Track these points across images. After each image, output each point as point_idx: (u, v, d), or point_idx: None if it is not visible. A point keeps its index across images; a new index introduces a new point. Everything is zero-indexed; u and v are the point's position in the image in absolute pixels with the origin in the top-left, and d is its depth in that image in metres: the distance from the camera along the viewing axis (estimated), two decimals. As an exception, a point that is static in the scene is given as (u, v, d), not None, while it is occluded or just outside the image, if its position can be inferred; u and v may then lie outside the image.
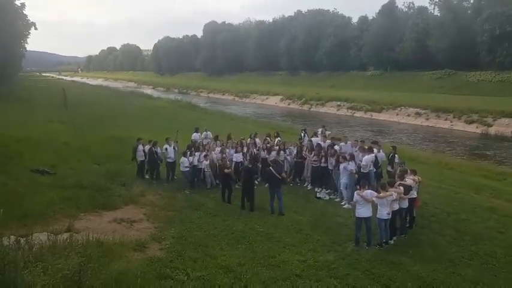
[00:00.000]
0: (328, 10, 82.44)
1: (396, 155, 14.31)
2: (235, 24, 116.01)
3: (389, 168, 14.13)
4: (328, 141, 15.96)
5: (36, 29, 73.53)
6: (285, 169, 15.25)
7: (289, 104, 60.34)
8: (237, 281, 7.97)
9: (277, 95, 65.52)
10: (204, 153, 15.44)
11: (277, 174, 12.72)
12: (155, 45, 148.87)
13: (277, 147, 16.13)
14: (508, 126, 33.70)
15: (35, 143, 19.89)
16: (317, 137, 17.30)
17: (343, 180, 13.37)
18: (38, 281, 6.36)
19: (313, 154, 15.06)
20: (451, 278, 8.70)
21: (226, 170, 13.84)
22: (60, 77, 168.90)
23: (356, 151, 14.34)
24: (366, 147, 14.45)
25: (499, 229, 11.36)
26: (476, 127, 35.81)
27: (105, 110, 39.86)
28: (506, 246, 10.29)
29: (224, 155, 15.23)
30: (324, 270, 8.80)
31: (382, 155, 14.49)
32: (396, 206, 10.41)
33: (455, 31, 51.95)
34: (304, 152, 15.72)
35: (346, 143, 15.47)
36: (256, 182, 14.75)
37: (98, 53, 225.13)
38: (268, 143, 16.68)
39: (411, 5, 69.23)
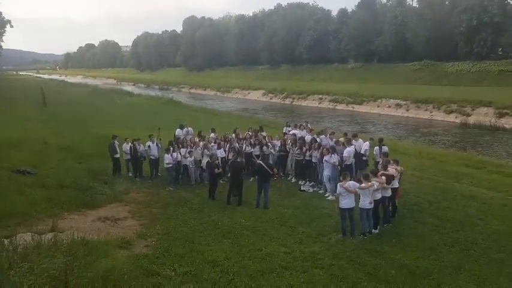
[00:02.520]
0: (308, 3, 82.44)
1: (384, 146, 14.43)
2: (215, 19, 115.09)
3: (376, 159, 14.25)
4: (310, 135, 16.05)
5: (12, 26, 72.13)
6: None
7: (271, 98, 60.45)
8: (224, 274, 8.03)
9: (259, 89, 65.57)
10: (188, 149, 15.40)
11: (268, 169, 12.77)
12: (134, 41, 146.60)
13: (259, 141, 16.17)
14: (486, 116, 34.41)
15: (14, 142, 19.48)
16: (301, 130, 17.40)
17: (326, 172, 13.55)
18: (24, 281, 6.32)
19: (296, 147, 15.17)
20: (433, 265, 8.92)
21: (216, 170, 13.83)
22: (38, 75, 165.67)
23: (335, 144, 14.46)
24: (345, 139, 14.67)
25: (479, 216, 11.64)
26: (456, 117, 36.52)
27: (85, 108, 39.35)
28: (486, 233, 10.56)
29: (208, 152, 15.17)
30: (310, 261, 8.93)
31: (364, 144, 14.73)
32: (379, 196, 10.61)
33: (433, 23, 52.52)
34: (287, 145, 15.81)
35: (326, 136, 15.64)
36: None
37: (76, 50, 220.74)
38: (252, 138, 16.68)
39: (390, -3, 69.77)
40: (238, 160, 13.89)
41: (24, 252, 7.71)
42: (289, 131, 17.87)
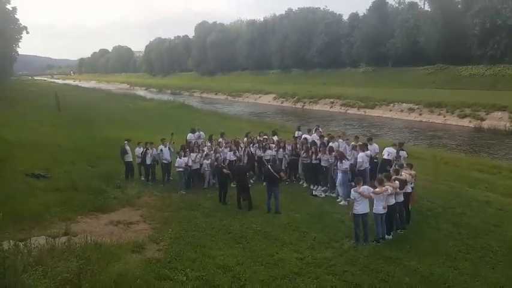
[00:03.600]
0: (319, 8, 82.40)
1: (402, 151, 14.24)
2: (226, 24, 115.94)
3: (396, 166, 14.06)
4: (318, 139, 15.92)
5: (28, 32, 73.43)
6: (282, 167, 15.32)
7: (282, 103, 60.38)
8: (235, 280, 8.01)
9: (270, 93, 65.54)
10: (203, 152, 15.44)
11: (275, 173, 12.73)
12: (147, 46, 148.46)
13: (274, 145, 16.16)
14: (501, 120, 33.80)
15: (28, 146, 19.72)
16: (312, 133, 17.29)
17: (338, 177, 13.43)
18: (39, 284, 6.40)
19: (303, 151, 15.09)
20: (448, 272, 8.74)
21: (225, 170, 13.84)
22: (53, 80, 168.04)
23: (351, 150, 14.35)
24: (359, 144, 14.54)
25: (494, 222, 11.43)
26: (470, 121, 35.96)
27: (99, 112, 39.77)
28: (502, 239, 10.35)
29: (218, 155, 15.20)
30: (322, 267, 8.84)
31: (375, 147, 14.67)
32: (392, 201, 10.46)
33: (445, 26, 52.05)
34: (298, 149, 15.74)
35: (343, 141, 15.50)
36: (251, 181, 14.78)
37: (89, 56, 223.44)
38: (263, 142, 16.65)
39: (401, 0, 69.45)
40: (240, 164, 13.87)
41: (39, 255, 7.79)
42: (301, 135, 17.77)
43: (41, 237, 9.16)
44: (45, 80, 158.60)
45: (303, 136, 17.12)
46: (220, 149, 15.76)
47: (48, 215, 11.09)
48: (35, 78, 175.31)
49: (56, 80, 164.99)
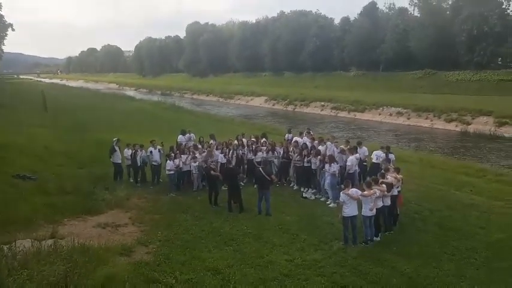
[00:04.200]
0: (311, 11, 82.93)
1: (391, 154, 14.42)
2: (218, 25, 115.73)
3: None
4: (309, 141, 16.02)
5: (13, 30, 72.34)
6: (273, 170, 15.36)
7: (273, 105, 60.48)
8: (225, 282, 8.02)
9: (262, 95, 65.59)
10: (192, 155, 15.38)
11: (266, 176, 12.76)
12: (137, 46, 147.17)
13: (265, 147, 16.18)
14: (486, 124, 34.38)
15: (14, 147, 19.47)
16: (304, 136, 17.37)
17: (327, 180, 13.51)
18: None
19: (296, 154, 15.15)
20: (434, 273, 8.90)
21: (213, 172, 13.81)
22: (39, 79, 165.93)
23: (338, 152, 14.46)
24: (348, 147, 14.68)
25: (479, 225, 11.64)
26: (456, 125, 36.50)
27: (86, 113, 39.33)
28: (487, 241, 10.56)
29: (210, 158, 15.15)
30: (312, 269, 8.91)
31: (365, 150, 14.85)
32: (380, 204, 10.61)
33: (434, 31, 52.85)
34: (290, 152, 15.79)
35: (332, 143, 15.61)
36: (242, 183, 14.78)
37: (77, 54, 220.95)
38: (253, 144, 16.67)
39: (392, 6, 70.31)
40: (231, 166, 13.86)
41: (24, 258, 7.68)
42: (292, 138, 17.82)
43: (26, 240, 9.03)
44: (31, 79, 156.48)
45: (294, 139, 17.19)
46: (213, 151, 15.70)
47: (34, 218, 10.96)
48: (21, 77, 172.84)
49: (42, 79, 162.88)
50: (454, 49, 52.25)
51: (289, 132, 18.97)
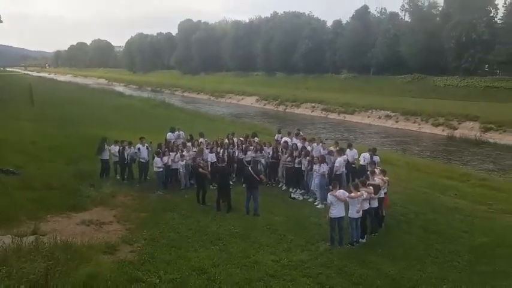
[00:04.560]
0: (304, 13, 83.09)
1: (376, 156, 14.49)
2: (211, 24, 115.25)
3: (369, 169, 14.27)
4: (301, 143, 16.05)
5: (1, 21, 71.14)
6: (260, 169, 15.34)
7: (264, 105, 60.53)
8: (210, 282, 7.96)
9: (253, 95, 65.59)
10: (180, 153, 15.26)
11: (255, 176, 12.72)
12: (128, 41, 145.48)
13: (253, 147, 16.15)
14: (472, 130, 34.93)
15: (0, 141, 19.20)
16: (293, 137, 17.38)
17: (316, 181, 13.54)
18: (2, 286, 6.14)
19: (287, 155, 15.15)
20: (417, 275, 8.99)
21: (201, 170, 13.72)
22: (26, 72, 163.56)
23: (326, 154, 14.50)
24: (337, 148, 14.74)
25: (463, 229, 11.78)
26: (443, 130, 37.00)
27: (74, 108, 38.94)
28: (469, 245, 10.71)
29: (199, 156, 15.04)
30: (298, 269, 8.91)
31: (354, 152, 14.91)
32: (367, 206, 10.66)
33: (424, 37, 53.53)
34: (279, 152, 15.77)
35: (318, 145, 15.65)
36: (231, 183, 14.73)
37: (67, 48, 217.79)
38: (243, 143, 16.63)
39: (383, 10, 70.83)
40: (223, 165, 13.80)
41: (3, 255, 7.46)
42: (281, 138, 17.83)
43: (6, 236, 8.76)
44: (18, 72, 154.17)
45: (284, 139, 17.19)
46: (203, 150, 15.58)
47: (16, 214, 10.71)
48: (7, 69, 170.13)
49: (29, 73, 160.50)
50: (443, 55, 52.98)
51: (279, 133, 18.99)
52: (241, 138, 17.23)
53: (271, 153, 15.97)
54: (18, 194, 12.32)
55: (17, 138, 20.62)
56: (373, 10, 71.36)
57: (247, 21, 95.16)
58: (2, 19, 70.04)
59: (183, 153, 15.29)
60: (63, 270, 7.02)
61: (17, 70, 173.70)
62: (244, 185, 13.60)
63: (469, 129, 35.15)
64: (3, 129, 22.63)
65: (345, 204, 10.39)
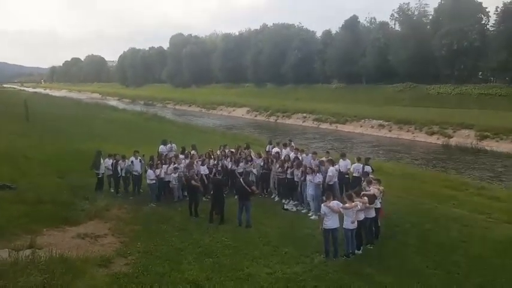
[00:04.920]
0: (293, 24, 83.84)
1: (367, 166, 14.49)
2: (201, 37, 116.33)
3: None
4: (293, 154, 16.08)
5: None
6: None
7: (255, 116, 60.70)
8: (204, 295, 7.88)
9: (244, 106, 65.81)
10: (172, 165, 15.24)
11: (246, 187, 12.70)
12: (120, 56, 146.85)
13: (244, 158, 16.16)
14: (468, 138, 34.88)
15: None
16: (284, 148, 17.42)
17: (310, 191, 13.52)
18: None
19: (278, 166, 15.15)
20: (415, 287, 8.86)
21: (193, 182, 13.69)
22: (22, 88, 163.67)
23: (317, 165, 14.52)
24: (328, 158, 14.76)
25: (461, 239, 11.65)
26: (438, 138, 37.01)
27: (68, 122, 38.85)
28: (468, 256, 10.54)
29: (192, 168, 15.02)
30: (292, 282, 8.82)
31: (347, 162, 14.90)
32: (362, 216, 10.59)
33: (415, 45, 53.84)
34: (270, 163, 15.77)
35: (307, 155, 15.68)
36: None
37: (61, 64, 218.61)
38: (235, 155, 16.63)
39: (373, 20, 71.41)
40: (219, 177, 13.80)
41: (1, 269, 7.49)
42: (272, 149, 17.87)
43: (3, 250, 8.83)
44: (14, 88, 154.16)
45: (275, 150, 17.23)
46: (194, 163, 15.59)
47: (12, 228, 10.68)
48: (4, 86, 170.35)
49: (25, 88, 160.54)
50: (435, 63, 53.28)
51: (270, 144, 19.00)
52: (232, 150, 17.23)
53: (262, 164, 15.97)
54: (13, 207, 12.25)
55: (9, 152, 20.49)
56: (363, 20, 72.00)
57: (237, 33, 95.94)
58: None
59: (177, 165, 15.26)
60: (59, 284, 7.04)
61: (13, 86, 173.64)
62: (236, 197, 13.58)
63: (464, 138, 35.14)
64: (-2, 143, 22.52)
65: (340, 215, 10.33)
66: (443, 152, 33.36)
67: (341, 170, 14.68)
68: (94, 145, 21.29)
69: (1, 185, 14.19)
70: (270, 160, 15.93)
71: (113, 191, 15.81)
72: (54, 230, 11.25)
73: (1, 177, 15.14)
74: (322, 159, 15.22)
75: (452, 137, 36.08)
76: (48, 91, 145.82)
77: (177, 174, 15.01)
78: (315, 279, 9.01)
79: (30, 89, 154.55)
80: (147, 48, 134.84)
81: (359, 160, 15.24)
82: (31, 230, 10.75)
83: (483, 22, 52.15)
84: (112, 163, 15.62)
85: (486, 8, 52.29)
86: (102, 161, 15.76)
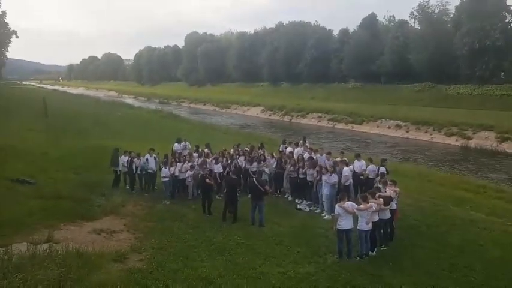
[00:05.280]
0: (310, 22, 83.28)
1: (382, 168, 14.24)
2: (216, 35, 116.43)
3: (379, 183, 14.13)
4: (307, 153, 16.00)
5: (17, 37, 73.15)
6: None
7: (270, 115, 60.62)
8: (217, 292, 7.93)
9: (259, 105, 65.79)
10: (188, 163, 15.35)
11: (260, 186, 12.71)
12: (136, 54, 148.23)
13: (257, 158, 16.15)
14: (488, 140, 34.19)
15: (13, 152, 19.53)
16: (297, 147, 17.36)
17: (325, 191, 13.43)
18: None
19: (290, 165, 15.11)
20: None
21: (208, 180, 13.78)
22: (41, 85, 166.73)
23: (331, 165, 14.43)
24: (343, 159, 14.66)
25: (478, 242, 11.46)
26: (456, 140, 36.37)
27: (86, 119, 39.43)
28: (485, 259, 10.37)
29: (205, 166, 15.11)
30: (305, 282, 8.80)
31: (362, 163, 14.79)
32: (376, 218, 10.51)
33: (435, 44, 52.70)
34: (283, 163, 15.74)
35: (322, 155, 15.59)
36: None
37: (79, 62, 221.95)
38: (249, 154, 16.64)
39: (392, 18, 70.46)
40: (233, 176, 13.85)
41: (19, 262, 7.68)
42: (286, 148, 17.86)
43: (22, 243, 9.05)
44: (33, 86, 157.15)
45: (288, 149, 17.20)
46: (208, 161, 15.70)
47: (31, 222, 10.95)
48: (24, 83, 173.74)
49: (44, 86, 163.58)
50: (455, 62, 52.10)
51: (284, 143, 18.95)
52: (246, 149, 17.25)
53: (275, 163, 15.95)
54: (32, 202, 12.57)
55: (29, 149, 20.92)
56: (381, 18, 70.96)
57: (252, 32, 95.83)
58: (18, 34, 71.81)
59: (192, 163, 15.36)
60: (75, 278, 7.18)
61: (32, 84, 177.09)
62: (249, 196, 13.60)
63: (484, 139, 34.46)
64: (18, 139, 23.02)
65: (354, 216, 10.26)
66: (461, 153, 32.81)
67: (355, 171, 14.56)
68: (110, 142, 21.61)
69: (20, 180, 14.60)
70: (284, 160, 15.88)
71: (128, 187, 16.01)
72: (71, 225, 11.47)
73: (20, 173, 15.51)
74: (336, 159, 15.12)
75: (471, 139, 35.41)
76: (66, 88, 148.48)
77: (192, 172, 15.12)
78: (328, 280, 8.96)
79: (49, 87, 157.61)
80: (162, 47, 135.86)
81: (370, 161, 15.11)
82: (49, 224, 11.00)
83: (507, 20, 50.21)
84: (128, 160, 15.81)
85: (510, 6, 50.36)
86: (119, 158, 16.00)
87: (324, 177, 13.44)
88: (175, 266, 9.05)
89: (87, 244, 9.66)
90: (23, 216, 11.20)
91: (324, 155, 15.64)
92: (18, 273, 6.91)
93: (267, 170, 15.78)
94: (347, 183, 13.68)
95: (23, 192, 13.52)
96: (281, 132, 42.16)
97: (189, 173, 15.13)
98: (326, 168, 13.57)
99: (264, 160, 16.04)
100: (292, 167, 14.94)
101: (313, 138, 37.72)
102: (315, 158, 15.26)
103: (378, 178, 13.25)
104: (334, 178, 13.33)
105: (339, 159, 15.11)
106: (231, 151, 17.00)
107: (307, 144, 17.59)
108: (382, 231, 10.98)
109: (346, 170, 13.78)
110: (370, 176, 14.48)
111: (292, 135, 36.35)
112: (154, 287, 7.86)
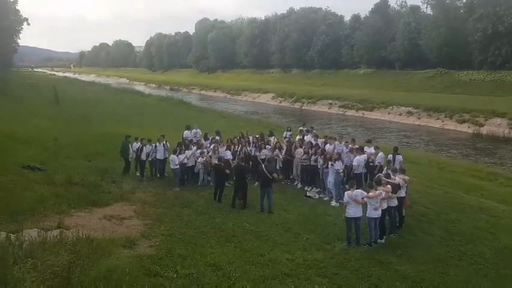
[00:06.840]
0: (321, 8, 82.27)
1: (398, 155, 14.13)
2: (227, 22, 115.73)
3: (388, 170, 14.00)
4: (321, 140, 15.93)
5: (28, 24, 73.66)
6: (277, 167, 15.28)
7: (280, 102, 60.32)
8: (225, 279, 7.96)
9: (269, 92, 65.47)
10: (198, 150, 15.38)
11: (268, 174, 12.71)
12: (147, 41, 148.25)
13: (271, 146, 16.10)
14: (500, 126, 33.68)
15: (24, 138, 19.75)
16: (307, 135, 17.29)
17: (330, 178, 13.42)
18: (28, 278, 6.34)
19: (302, 152, 15.06)
20: (440, 278, 8.74)
21: (227, 171, 13.85)
22: (53, 72, 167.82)
23: (347, 151, 14.35)
24: (356, 147, 14.53)
25: (488, 230, 11.41)
26: (468, 127, 35.90)
27: (96, 106, 39.69)
28: (495, 247, 10.33)
29: (216, 154, 15.13)
30: (313, 269, 8.82)
31: (372, 150, 14.64)
32: (385, 205, 10.47)
33: (447, 30, 52.02)
34: (293, 150, 15.68)
35: (340, 143, 15.45)
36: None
37: (90, 49, 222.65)
38: (259, 141, 16.61)
39: (404, 3, 69.27)
40: (243, 163, 13.83)
41: (30, 248, 7.74)
42: (290, 136, 17.78)
43: (33, 229, 9.11)
44: (44, 72, 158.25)
45: (297, 138, 17.15)
46: (218, 148, 15.70)
47: (42, 208, 11.08)
48: (35, 70, 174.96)
49: (55, 73, 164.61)
50: (468, 48, 51.26)
51: (288, 130, 18.88)
52: (256, 136, 17.21)
53: (284, 151, 15.89)
54: (43, 189, 12.70)
55: (40, 135, 21.13)
56: (393, 3, 69.95)
57: (263, 18, 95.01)
58: (29, 22, 72.19)
59: (202, 150, 15.39)
60: (85, 264, 7.23)
61: (44, 70, 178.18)
62: (256, 183, 13.59)
63: (496, 126, 33.91)
64: (29, 126, 23.26)
65: (363, 203, 10.23)
66: (473, 140, 32.37)
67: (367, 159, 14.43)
68: (121, 129, 21.74)
69: (32, 167, 14.76)
70: (294, 147, 15.82)
71: (138, 174, 16.13)
72: (82, 211, 11.59)
73: (32, 159, 15.70)
74: (350, 146, 14.99)
75: (483, 126, 34.88)
76: (77, 75, 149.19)
77: (204, 159, 15.15)
78: (336, 267, 8.97)
79: (60, 74, 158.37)
80: (173, 34, 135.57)
81: (377, 148, 14.95)
82: (59, 210, 11.13)
83: (521, 5, 49.45)
84: (138, 147, 15.90)
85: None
86: (130, 145, 16.08)
87: (330, 164, 13.38)
88: (185, 252, 9.10)
89: (97, 230, 9.76)
90: (34, 203, 11.31)
91: (343, 142, 15.49)
92: (29, 259, 6.99)
93: (280, 156, 15.75)
94: (357, 172, 13.57)
95: (33, 178, 13.65)
96: (292, 119, 41.94)
97: (201, 159, 15.17)
98: (331, 156, 13.52)
99: (280, 148, 15.93)
100: (305, 155, 14.88)
101: (323, 124, 37.55)
102: (329, 145, 15.10)
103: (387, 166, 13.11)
104: (338, 165, 13.25)
105: (350, 146, 14.97)
106: (241, 138, 16.96)
107: (314, 131, 17.52)
108: (389, 218, 10.91)
109: (358, 159, 13.66)
110: (377, 162, 14.32)
111: (306, 122, 36.10)
112: (163, 273, 7.92)
